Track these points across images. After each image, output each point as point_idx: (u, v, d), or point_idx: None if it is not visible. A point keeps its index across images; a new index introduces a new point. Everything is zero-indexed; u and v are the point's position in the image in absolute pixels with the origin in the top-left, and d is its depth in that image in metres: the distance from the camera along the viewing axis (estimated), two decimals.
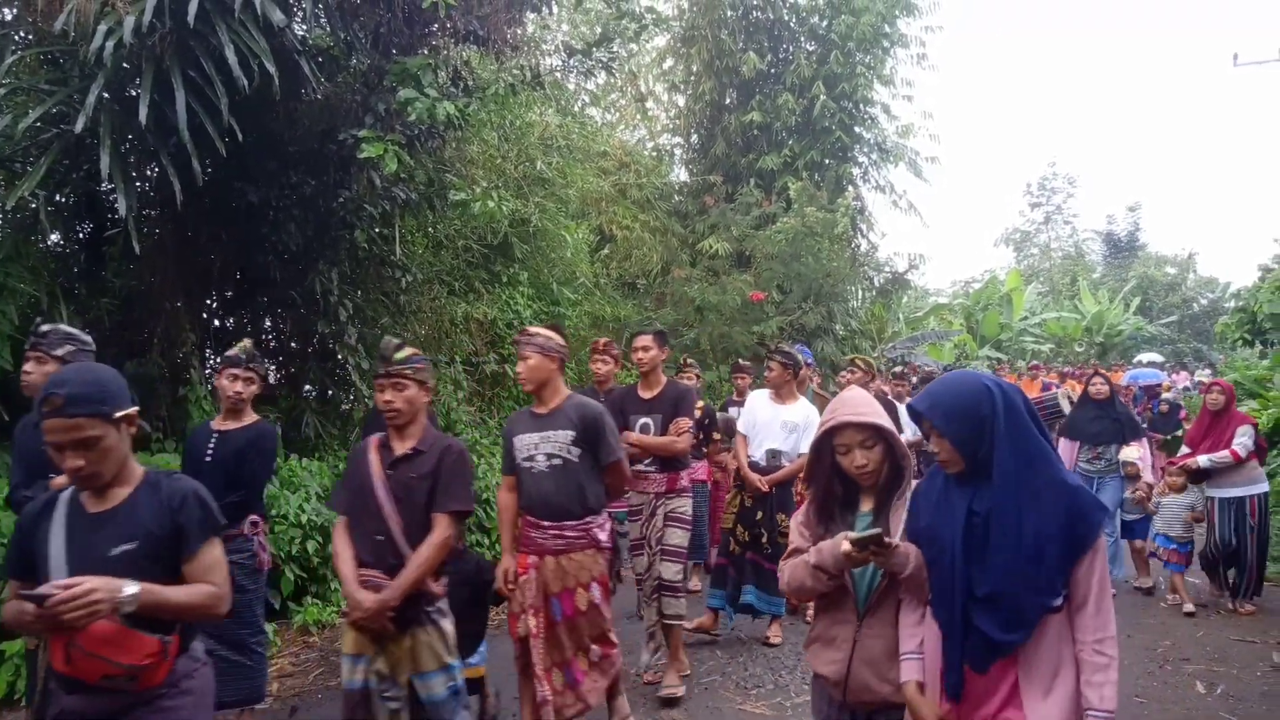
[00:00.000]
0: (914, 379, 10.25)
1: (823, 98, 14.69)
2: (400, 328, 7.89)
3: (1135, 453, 6.66)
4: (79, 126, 4.71)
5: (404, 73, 5.98)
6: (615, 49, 8.13)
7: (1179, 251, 41.65)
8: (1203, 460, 6.32)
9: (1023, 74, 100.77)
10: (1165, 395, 12.57)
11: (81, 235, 6.27)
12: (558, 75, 8.74)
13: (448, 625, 3.11)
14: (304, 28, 6.02)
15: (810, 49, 15.66)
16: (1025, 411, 2.10)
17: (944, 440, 2.12)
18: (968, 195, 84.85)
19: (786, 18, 15.80)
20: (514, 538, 3.77)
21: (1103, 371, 7.63)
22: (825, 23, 15.41)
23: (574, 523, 3.65)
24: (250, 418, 4.09)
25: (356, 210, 6.76)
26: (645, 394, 4.82)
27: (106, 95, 5.00)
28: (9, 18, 5.69)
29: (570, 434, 3.63)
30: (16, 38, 5.53)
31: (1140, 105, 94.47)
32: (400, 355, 3.12)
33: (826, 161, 15.28)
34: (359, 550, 3.07)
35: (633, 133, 16.70)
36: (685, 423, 4.65)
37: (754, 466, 5.43)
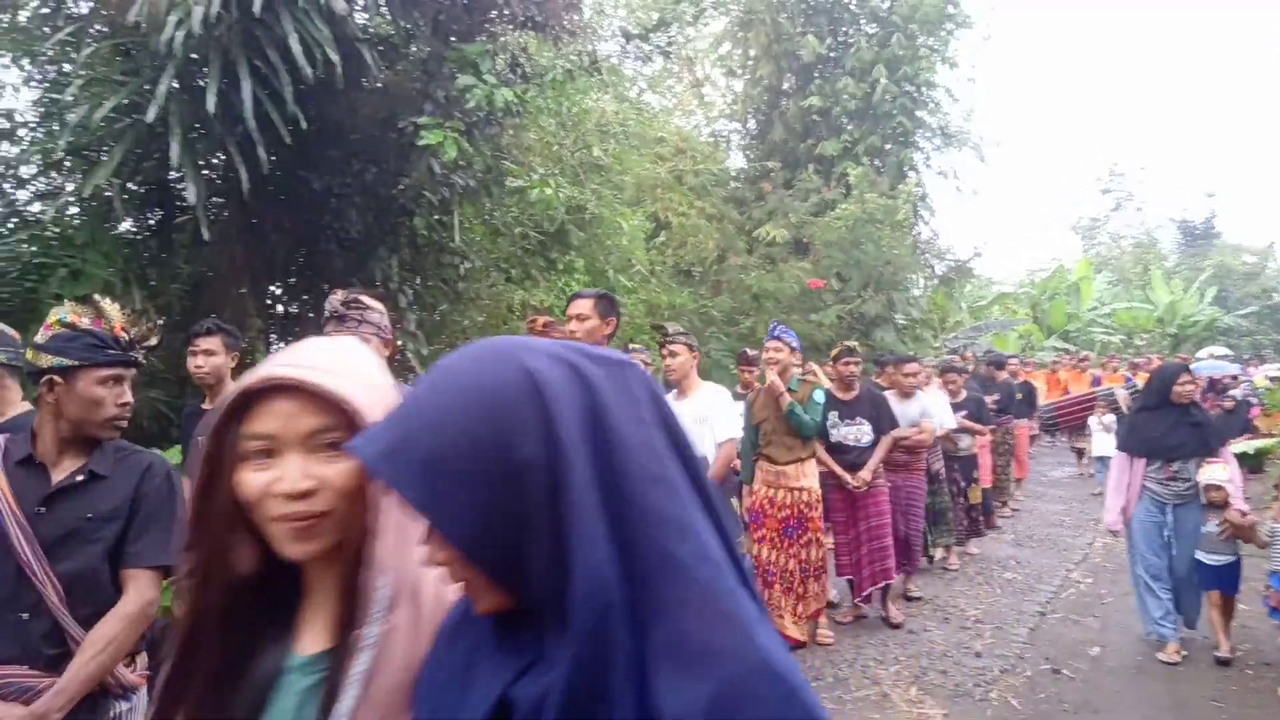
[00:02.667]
0: (969, 367, 9.35)
1: (884, 81, 14.43)
2: (459, 314, 7.97)
3: (1223, 472, 4.92)
4: (150, 116, 4.84)
5: (463, 60, 6.03)
6: (673, 34, 8.09)
7: (1258, 241, 39.86)
8: None
9: (1092, 56, 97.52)
10: (1233, 391, 11.71)
11: (152, 222, 6.46)
12: (615, 61, 8.73)
13: None
14: (365, 16, 6.11)
15: (871, 31, 15.39)
16: (660, 434, 0.78)
17: (440, 538, 0.77)
18: (1034, 181, 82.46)
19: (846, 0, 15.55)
20: None
21: (1188, 360, 5.76)
22: (887, 4, 15.13)
23: None
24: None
25: (416, 197, 6.83)
26: None
27: (176, 85, 5.13)
28: (86, 11, 5.88)
29: None
30: (92, 30, 5.70)
31: (1215, 89, 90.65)
32: None
33: (887, 146, 15.06)
34: None
35: (689, 118, 16.63)
36: None
37: None
